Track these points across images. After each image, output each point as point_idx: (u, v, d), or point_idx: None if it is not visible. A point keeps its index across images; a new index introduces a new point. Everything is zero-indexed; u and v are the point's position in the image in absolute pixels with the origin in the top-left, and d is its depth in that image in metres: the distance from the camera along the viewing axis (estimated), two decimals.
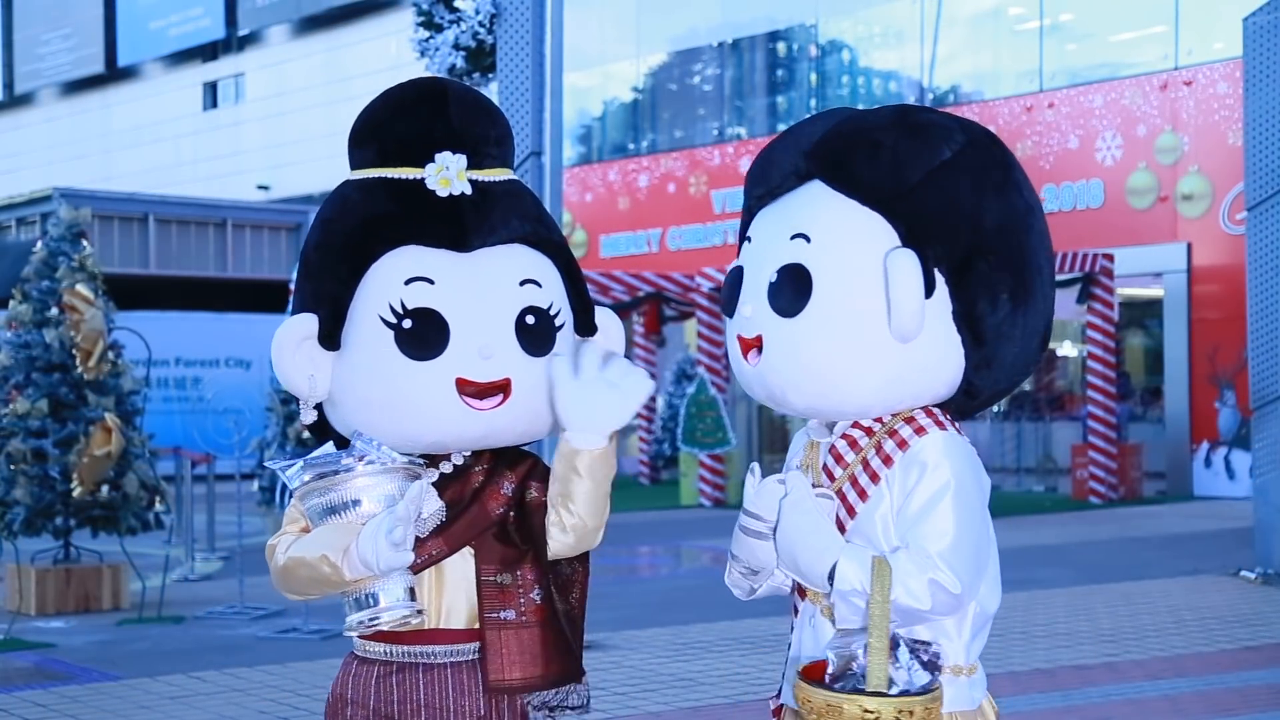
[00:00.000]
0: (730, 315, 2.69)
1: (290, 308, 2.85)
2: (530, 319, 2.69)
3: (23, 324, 10.22)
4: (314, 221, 2.80)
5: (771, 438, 20.96)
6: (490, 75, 17.47)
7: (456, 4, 20.34)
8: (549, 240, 2.80)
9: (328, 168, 39.50)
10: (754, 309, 2.61)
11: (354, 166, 2.79)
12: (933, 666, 2.42)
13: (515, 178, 2.84)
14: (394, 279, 2.65)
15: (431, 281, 2.64)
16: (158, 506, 10.37)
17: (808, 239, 2.57)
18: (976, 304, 2.55)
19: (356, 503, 2.59)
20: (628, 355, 2.78)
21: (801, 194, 2.63)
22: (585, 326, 2.83)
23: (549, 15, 8.75)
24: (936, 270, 2.53)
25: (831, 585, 2.46)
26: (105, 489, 9.98)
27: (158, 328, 14.40)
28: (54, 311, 10.16)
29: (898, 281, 2.49)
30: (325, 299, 2.71)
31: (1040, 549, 13.00)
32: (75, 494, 9.90)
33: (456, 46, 19.74)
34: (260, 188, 41.95)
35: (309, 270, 2.76)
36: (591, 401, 2.63)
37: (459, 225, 2.68)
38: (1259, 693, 7.01)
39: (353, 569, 2.60)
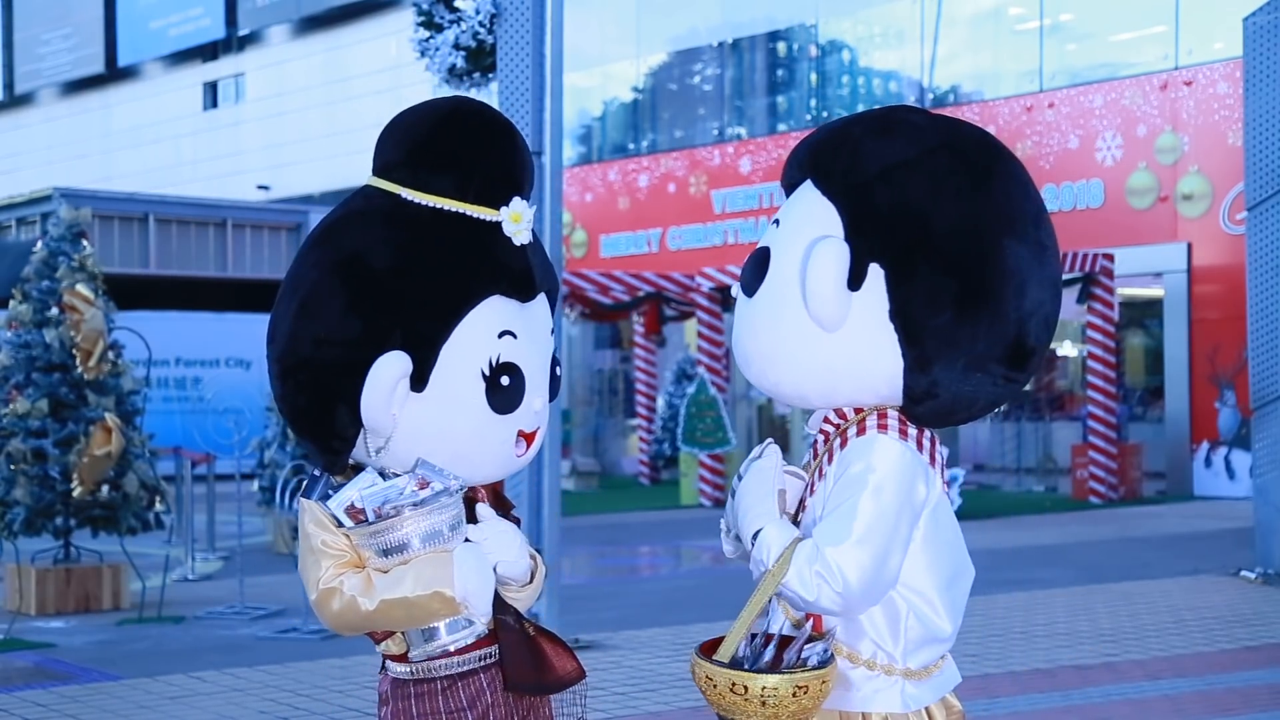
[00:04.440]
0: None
1: (346, 318, 2.63)
2: (558, 370, 2.85)
3: (23, 324, 10.22)
4: (377, 238, 2.64)
5: (771, 437, 20.95)
6: (490, 75, 17.46)
7: (456, 4, 20.32)
8: (557, 286, 2.94)
9: (328, 168, 39.53)
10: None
11: (416, 186, 2.65)
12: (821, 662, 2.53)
13: None
14: (488, 332, 2.69)
15: (515, 336, 2.72)
16: (158, 506, 10.37)
17: (778, 224, 2.74)
18: (911, 303, 2.57)
19: (407, 545, 2.61)
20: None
21: (799, 189, 2.77)
22: None
23: (549, 15, 8.73)
24: (876, 264, 2.57)
25: (753, 546, 2.61)
26: (105, 489, 9.98)
27: (158, 328, 14.40)
28: (54, 311, 10.16)
29: (812, 267, 2.57)
30: (419, 341, 2.62)
31: (1040, 549, 13.00)
32: (75, 494, 9.90)
33: (456, 46, 19.74)
34: (260, 188, 41.94)
35: (389, 301, 2.61)
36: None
37: (529, 278, 2.76)
38: (1259, 693, 7.01)
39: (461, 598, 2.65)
